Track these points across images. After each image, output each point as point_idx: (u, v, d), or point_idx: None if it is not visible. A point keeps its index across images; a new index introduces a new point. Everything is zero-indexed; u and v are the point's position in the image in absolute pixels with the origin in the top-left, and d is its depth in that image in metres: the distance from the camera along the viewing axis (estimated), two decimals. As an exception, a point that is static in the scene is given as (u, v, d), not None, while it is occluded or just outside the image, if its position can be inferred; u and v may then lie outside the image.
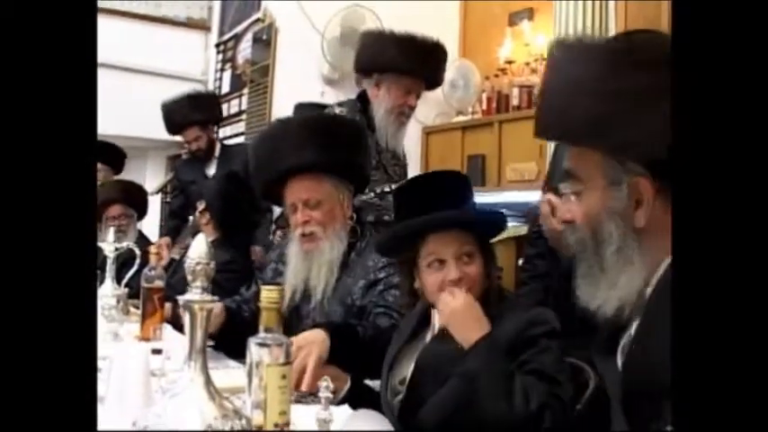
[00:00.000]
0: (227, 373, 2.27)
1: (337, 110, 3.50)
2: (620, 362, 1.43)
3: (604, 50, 1.37)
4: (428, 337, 2.02)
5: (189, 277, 1.15)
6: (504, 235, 2.87)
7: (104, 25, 6.55)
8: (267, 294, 1.35)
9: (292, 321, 2.55)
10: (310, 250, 2.54)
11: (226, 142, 5.92)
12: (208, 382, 1.13)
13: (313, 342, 2.05)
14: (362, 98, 3.56)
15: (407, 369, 1.99)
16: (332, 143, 2.54)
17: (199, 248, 1.15)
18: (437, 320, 1.99)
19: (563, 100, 1.41)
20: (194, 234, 3.89)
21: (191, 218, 4.57)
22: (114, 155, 5.58)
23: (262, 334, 1.35)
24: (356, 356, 2.14)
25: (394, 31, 3.55)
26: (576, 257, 1.47)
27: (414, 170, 6.01)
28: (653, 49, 1.33)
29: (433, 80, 3.65)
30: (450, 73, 5.88)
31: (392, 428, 1.37)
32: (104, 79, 6.43)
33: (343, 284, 2.52)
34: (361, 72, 3.61)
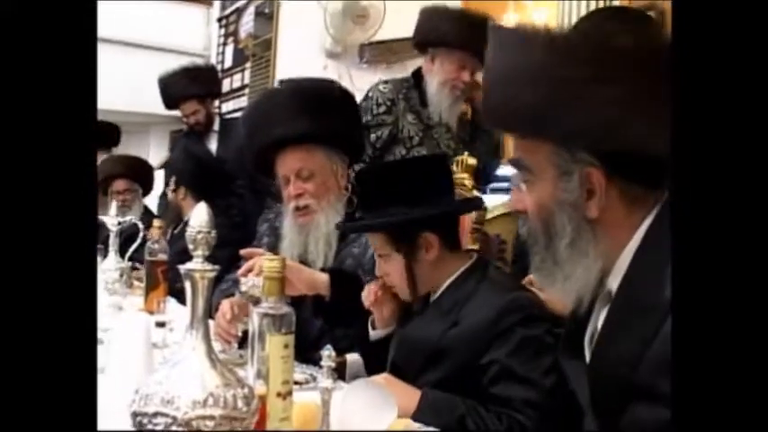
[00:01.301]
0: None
1: (381, 87, 3.46)
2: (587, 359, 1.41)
3: (545, 39, 1.31)
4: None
5: (190, 246, 1.14)
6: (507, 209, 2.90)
7: (107, 0, 6.58)
8: (269, 264, 1.35)
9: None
10: (305, 224, 2.48)
11: (229, 116, 5.92)
12: (209, 350, 1.13)
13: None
14: (417, 75, 3.51)
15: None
16: (323, 112, 2.47)
17: (200, 217, 1.14)
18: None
19: (505, 89, 1.36)
20: (175, 213, 3.93)
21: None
22: (107, 132, 5.58)
23: (264, 303, 1.35)
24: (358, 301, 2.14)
25: (448, 6, 3.55)
26: (529, 250, 1.44)
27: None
28: (594, 38, 1.31)
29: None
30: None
31: (393, 397, 1.37)
32: (107, 54, 6.48)
33: (351, 255, 2.48)
34: (418, 47, 3.54)
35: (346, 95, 2.61)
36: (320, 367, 1.41)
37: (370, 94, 3.45)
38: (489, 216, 2.91)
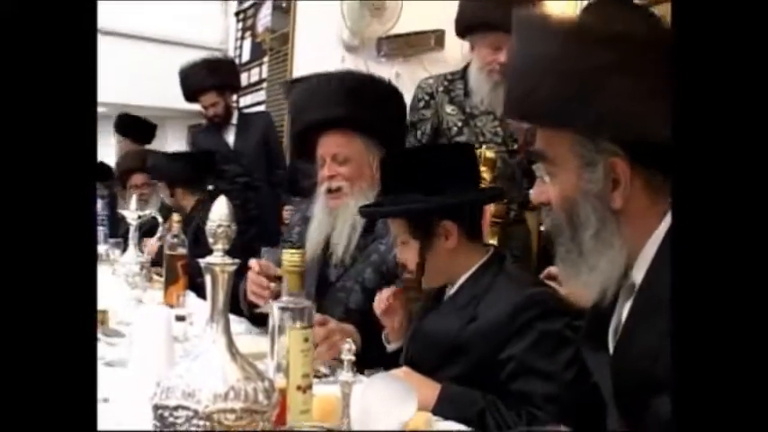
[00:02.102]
0: (253, 339, 2.29)
1: (423, 83, 3.44)
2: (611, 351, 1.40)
3: (568, 29, 1.32)
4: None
5: (210, 240, 1.14)
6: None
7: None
8: (289, 258, 1.35)
9: (319, 286, 2.55)
10: (335, 207, 2.51)
11: (246, 110, 5.93)
12: (230, 343, 1.14)
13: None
14: (466, 66, 3.44)
15: None
16: (366, 102, 2.50)
17: (220, 211, 1.15)
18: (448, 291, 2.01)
19: (528, 80, 1.35)
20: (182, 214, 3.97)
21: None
22: (137, 127, 5.62)
23: (284, 297, 1.36)
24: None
25: None
26: (553, 241, 1.42)
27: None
28: (614, 23, 1.29)
29: None
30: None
31: (414, 391, 1.37)
32: (124, 49, 6.52)
33: (377, 251, 2.49)
34: (460, 37, 3.44)
35: (393, 91, 2.63)
36: (340, 360, 1.42)
37: (415, 92, 3.43)
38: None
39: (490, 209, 2.82)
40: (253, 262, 2.43)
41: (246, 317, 2.60)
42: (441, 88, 3.35)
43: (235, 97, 5.69)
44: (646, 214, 1.31)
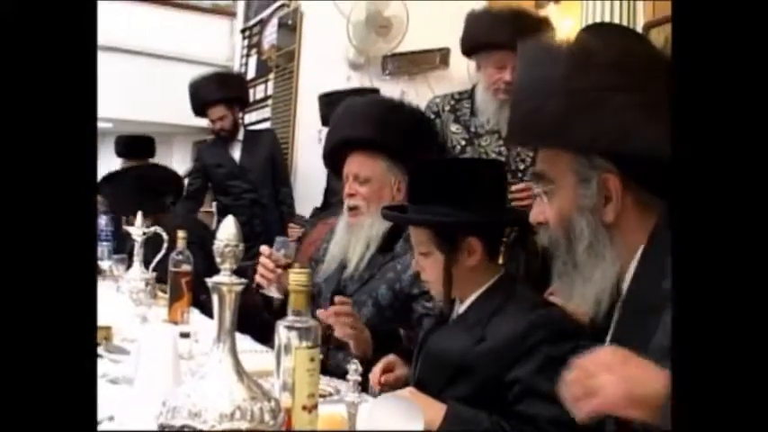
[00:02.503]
0: (257, 356, 2.29)
1: (431, 102, 3.43)
2: None
3: (564, 53, 1.41)
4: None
5: (218, 259, 1.15)
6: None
7: (130, 12, 6.66)
8: (296, 277, 1.35)
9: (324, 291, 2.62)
10: (353, 224, 2.59)
11: (252, 128, 5.94)
12: (236, 363, 1.14)
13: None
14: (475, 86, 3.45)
15: None
16: (393, 125, 2.57)
17: (227, 230, 1.15)
18: (457, 307, 2.01)
19: (529, 103, 1.45)
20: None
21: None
22: (138, 145, 5.62)
23: (290, 317, 1.36)
24: None
25: (485, 8, 3.43)
26: (552, 257, 1.49)
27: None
28: (609, 50, 1.38)
29: None
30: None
31: (420, 411, 1.37)
32: (131, 65, 6.55)
33: (393, 270, 2.53)
34: (467, 56, 3.42)
35: (424, 118, 2.75)
36: (346, 380, 1.41)
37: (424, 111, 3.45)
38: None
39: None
40: (264, 248, 2.58)
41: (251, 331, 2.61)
42: (447, 107, 3.34)
43: (240, 114, 5.70)
44: (635, 229, 1.39)
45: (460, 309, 1.98)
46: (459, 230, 1.94)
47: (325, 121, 4.91)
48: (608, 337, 1.42)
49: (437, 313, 2.12)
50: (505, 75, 3.07)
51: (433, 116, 3.37)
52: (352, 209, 2.59)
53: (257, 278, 2.56)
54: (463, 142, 3.28)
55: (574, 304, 1.47)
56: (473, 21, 3.25)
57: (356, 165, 2.60)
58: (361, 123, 2.61)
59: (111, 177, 4.30)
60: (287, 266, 2.58)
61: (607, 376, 1.17)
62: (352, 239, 2.58)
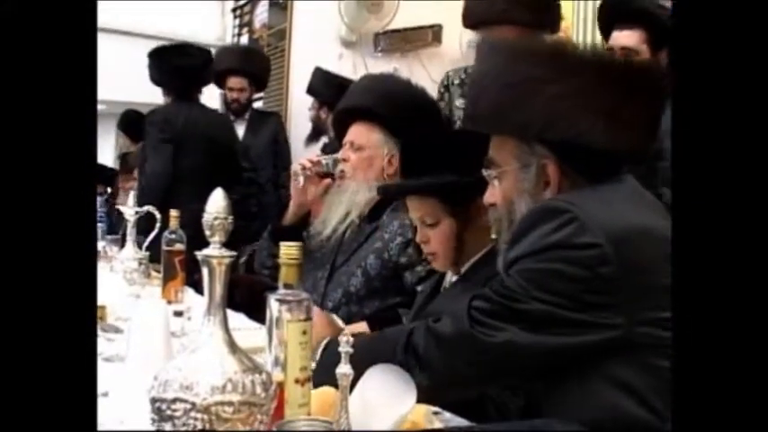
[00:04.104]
0: (254, 335, 2.29)
1: (444, 76, 3.51)
2: None
3: (509, 47, 1.63)
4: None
5: (207, 232, 1.14)
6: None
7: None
8: (286, 250, 1.35)
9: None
10: (338, 187, 2.70)
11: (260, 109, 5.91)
12: (227, 336, 1.13)
13: None
14: None
15: None
16: (392, 98, 2.64)
17: (217, 203, 1.14)
18: (449, 277, 2.08)
19: (475, 92, 1.65)
20: None
21: None
22: (134, 123, 5.62)
23: (282, 290, 1.35)
24: None
25: None
26: (495, 234, 1.67)
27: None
28: (542, 45, 1.64)
29: (537, 23, 3.19)
30: (467, 33, 5.83)
31: (412, 382, 1.37)
32: (122, 47, 6.51)
33: (381, 239, 2.59)
34: (473, 30, 3.43)
35: (423, 95, 2.75)
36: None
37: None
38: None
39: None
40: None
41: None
42: (457, 81, 3.37)
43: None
44: None
45: (453, 278, 2.04)
46: (473, 192, 1.98)
47: (309, 91, 4.98)
48: None
49: (432, 283, 2.13)
50: None
51: (443, 90, 3.39)
52: (341, 173, 2.68)
53: (294, 166, 2.79)
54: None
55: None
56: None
57: (353, 133, 2.69)
58: (362, 94, 2.71)
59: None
60: (326, 175, 2.76)
61: None
62: (335, 201, 2.66)
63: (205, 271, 1.13)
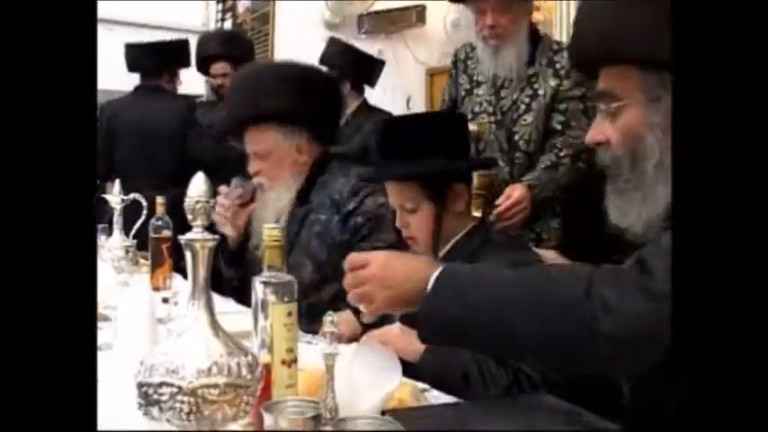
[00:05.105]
0: (242, 318, 2.30)
1: (459, 48, 3.36)
2: None
3: None
4: None
5: (189, 216, 1.14)
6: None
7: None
8: (269, 232, 1.36)
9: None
10: (262, 201, 2.67)
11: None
12: (212, 319, 1.14)
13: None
14: None
15: None
16: (274, 93, 2.56)
17: (198, 187, 1.14)
18: None
19: (598, 22, 1.44)
20: None
21: None
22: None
23: (266, 272, 1.36)
24: None
25: None
26: (608, 176, 1.48)
27: (419, 111, 6.02)
28: None
29: None
30: (451, 13, 5.83)
31: (398, 363, 1.38)
32: (107, 36, 6.45)
33: (318, 222, 2.59)
34: (462, 3, 3.22)
35: (310, 75, 2.69)
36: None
37: None
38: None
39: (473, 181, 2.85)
40: (222, 188, 2.68)
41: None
42: (462, 56, 3.27)
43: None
44: None
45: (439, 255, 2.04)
46: (451, 177, 2.04)
47: (328, 64, 4.86)
48: None
49: None
50: (486, 19, 2.95)
51: (452, 66, 3.33)
52: (260, 186, 2.66)
53: (215, 219, 2.64)
54: (463, 93, 3.23)
55: (626, 224, 1.43)
56: None
57: (251, 142, 2.64)
58: (246, 102, 2.61)
59: None
60: (244, 205, 2.70)
61: (373, 285, 1.43)
62: (263, 215, 2.62)
63: (188, 255, 1.14)
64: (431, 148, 2.01)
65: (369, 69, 4.87)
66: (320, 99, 2.66)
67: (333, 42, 4.88)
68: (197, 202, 1.14)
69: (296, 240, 2.59)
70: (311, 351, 1.59)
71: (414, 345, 1.67)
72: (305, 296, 2.38)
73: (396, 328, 1.80)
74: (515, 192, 2.85)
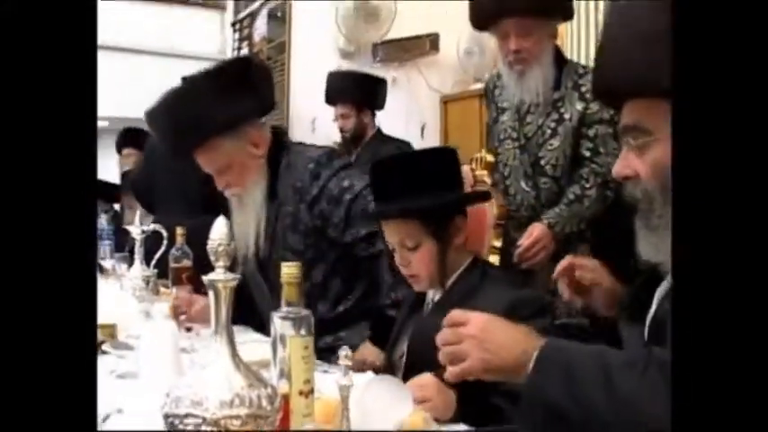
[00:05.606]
0: (261, 347, 2.36)
1: (490, 77, 3.37)
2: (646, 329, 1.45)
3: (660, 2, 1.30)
4: (425, 309, 2.12)
5: (212, 258, 1.22)
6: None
7: (121, 8, 6.69)
8: (287, 270, 1.43)
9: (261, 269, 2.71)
10: (239, 202, 2.63)
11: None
12: (234, 354, 1.21)
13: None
14: None
15: (405, 343, 2.09)
16: (210, 107, 2.43)
17: (220, 231, 1.23)
18: (431, 294, 2.09)
19: (626, 54, 1.37)
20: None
21: None
22: (145, 139, 5.69)
23: (284, 308, 1.44)
24: None
25: None
26: (639, 210, 1.43)
27: (433, 138, 6.11)
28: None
29: (551, 10, 2.97)
30: (464, 41, 5.91)
31: (409, 393, 1.44)
32: (123, 63, 6.56)
33: (287, 214, 2.59)
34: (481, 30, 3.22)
35: (224, 70, 2.55)
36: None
37: None
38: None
39: (492, 211, 2.88)
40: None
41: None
42: (491, 86, 3.28)
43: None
44: None
45: (437, 295, 2.07)
46: (451, 211, 2.03)
47: (340, 98, 4.88)
48: (655, 305, 1.44)
49: (411, 301, 2.20)
50: (510, 44, 2.92)
51: (485, 96, 3.33)
52: (233, 197, 2.63)
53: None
54: (491, 122, 3.25)
55: (659, 259, 1.40)
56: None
57: (206, 163, 2.58)
58: (174, 131, 2.53)
59: None
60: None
61: (470, 345, 1.37)
62: (242, 221, 2.61)
63: (211, 294, 1.21)
64: (426, 184, 2.00)
65: (371, 91, 4.90)
66: (239, 86, 2.51)
67: (330, 76, 4.94)
68: (219, 244, 1.22)
69: (274, 237, 2.60)
70: (327, 379, 1.65)
71: (449, 402, 1.66)
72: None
73: (432, 381, 1.71)
74: (535, 230, 2.85)
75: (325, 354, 2.19)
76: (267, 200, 2.61)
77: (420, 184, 2.00)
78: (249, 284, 2.72)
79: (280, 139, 2.69)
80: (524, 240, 2.86)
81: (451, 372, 1.40)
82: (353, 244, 2.56)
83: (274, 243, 2.61)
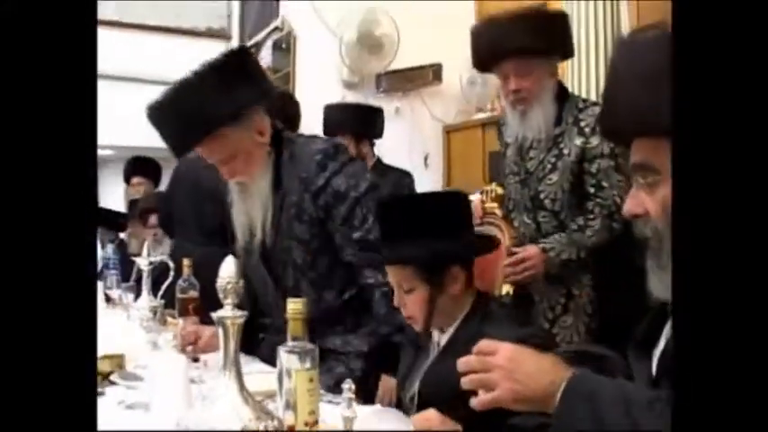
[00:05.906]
0: (266, 378, 2.40)
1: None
2: (654, 365, 1.45)
3: (666, 40, 1.27)
4: (432, 352, 2.12)
5: (220, 295, 1.28)
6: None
7: (125, 39, 6.77)
8: (293, 306, 1.48)
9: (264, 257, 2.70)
10: (243, 191, 2.63)
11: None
12: (242, 387, 1.26)
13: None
14: None
15: (415, 386, 2.08)
16: (214, 98, 2.44)
17: (228, 269, 1.28)
18: (436, 336, 2.10)
19: (634, 92, 1.37)
20: None
21: None
22: (153, 168, 5.75)
23: (290, 342, 1.49)
24: None
25: (484, 20, 3.30)
26: (649, 248, 1.43)
27: (436, 168, 6.16)
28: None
29: (551, 49, 3.02)
30: (467, 71, 5.97)
31: (411, 426, 1.48)
32: (128, 93, 6.63)
33: (291, 204, 2.59)
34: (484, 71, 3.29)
35: (230, 56, 2.53)
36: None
37: None
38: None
39: (505, 243, 2.91)
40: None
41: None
42: (502, 122, 3.33)
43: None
44: None
45: (442, 338, 2.08)
46: (447, 261, 2.02)
47: (339, 131, 4.82)
48: (664, 340, 1.44)
49: (415, 344, 2.21)
50: (510, 84, 2.97)
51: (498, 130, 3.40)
52: (238, 188, 2.64)
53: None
54: (502, 155, 3.30)
55: (668, 297, 1.35)
56: (474, 38, 3.13)
57: (210, 154, 2.56)
58: (187, 122, 2.50)
59: None
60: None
61: (499, 375, 1.38)
62: (250, 206, 2.62)
63: (220, 330, 1.27)
64: (425, 230, 2.02)
65: (368, 121, 4.90)
66: (240, 75, 2.51)
67: (327, 109, 4.93)
68: (228, 282, 1.28)
69: (279, 227, 2.60)
70: (332, 410, 1.69)
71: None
72: (303, 274, 2.54)
73: (436, 415, 1.73)
74: (527, 251, 2.90)
75: (333, 355, 2.36)
76: (272, 189, 2.61)
77: (419, 229, 2.02)
78: (251, 280, 2.72)
79: (279, 131, 2.70)
80: (513, 257, 2.90)
81: (481, 400, 1.41)
82: (341, 247, 2.57)
83: (279, 233, 2.62)
